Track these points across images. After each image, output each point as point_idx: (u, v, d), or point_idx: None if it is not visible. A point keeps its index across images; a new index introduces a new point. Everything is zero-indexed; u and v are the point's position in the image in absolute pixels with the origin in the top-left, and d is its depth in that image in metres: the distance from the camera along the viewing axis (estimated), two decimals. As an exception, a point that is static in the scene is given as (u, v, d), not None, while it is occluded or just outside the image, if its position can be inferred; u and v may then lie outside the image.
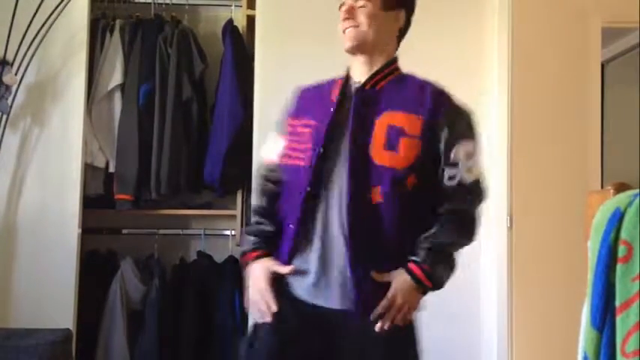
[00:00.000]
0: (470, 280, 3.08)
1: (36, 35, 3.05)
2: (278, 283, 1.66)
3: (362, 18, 1.68)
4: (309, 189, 1.63)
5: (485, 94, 3.15)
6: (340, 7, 1.73)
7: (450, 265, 1.68)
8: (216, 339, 3.13)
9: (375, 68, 1.72)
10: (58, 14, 3.08)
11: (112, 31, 3.33)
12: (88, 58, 3.19)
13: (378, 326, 1.59)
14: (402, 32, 1.78)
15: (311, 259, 1.63)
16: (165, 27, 3.35)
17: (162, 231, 3.40)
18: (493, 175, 3.07)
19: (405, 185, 1.62)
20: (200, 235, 3.44)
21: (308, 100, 1.79)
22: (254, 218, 1.80)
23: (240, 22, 3.43)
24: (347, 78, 1.76)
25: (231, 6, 3.50)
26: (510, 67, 2.98)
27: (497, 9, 3.11)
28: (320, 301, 1.62)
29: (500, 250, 2.96)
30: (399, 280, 1.61)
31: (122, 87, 3.30)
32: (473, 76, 3.16)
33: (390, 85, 1.72)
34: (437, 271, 1.65)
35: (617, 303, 1.14)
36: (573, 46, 3.04)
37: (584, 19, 3.03)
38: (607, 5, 3.05)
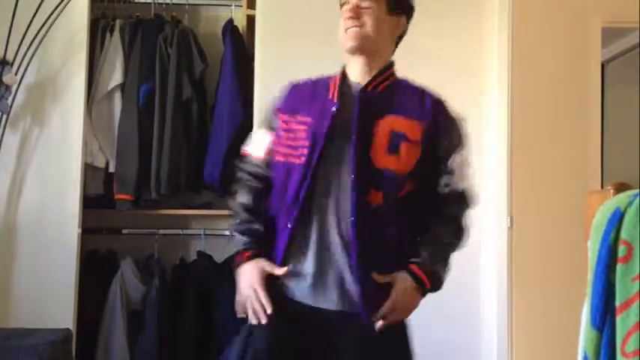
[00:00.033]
0: (470, 280, 3.08)
1: (36, 35, 3.05)
2: (271, 284, 1.63)
3: (366, 19, 1.66)
4: (308, 188, 1.61)
5: (485, 94, 3.15)
6: (342, 5, 1.71)
7: (447, 267, 1.71)
8: (216, 339, 3.13)
9: (374, 71, 1.71)
10: (58, 14, 3.08)
11: (112, 31, 3.33)
12: (88, 58, 3.19)
13: (378, 325, 1.60)
14: (400, 38, 1.78)
15: (307, 260, 1.61)
16: (166, 27, 3.35)
17: (162, 231, 3.40)
18: (493, 175, 3.08)
19: (403, 189, 1.64)
20: (200, 235, 3.44)
21: (301, 97, 1.74)
22: (243, 216, 1.74)
23: (240, 22, 3.44)
24: (343, 77, 1.73)
25: (231, 6, 3.49)
26: (510, 67, 2.98)
27: (497, 9, 3.11)
28: (317, 303, 1.61)
29: (500, 250, 2.96)
30: (401, 281, 1.63)
31: (122, 87, 3.30)
32: (473, 76, 3.17)
33: (389, 89, 1.72)
34: (437, 273, 1.68)
35: (617, 303, 1.14)
36: (573, 46, 3.05)
37: (584, 19, 3.04)
38: (607, 5, 3.05)
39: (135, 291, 3.22)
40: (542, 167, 2.98)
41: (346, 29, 1.68)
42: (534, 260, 2.93)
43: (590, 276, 1.21)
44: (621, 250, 1.15)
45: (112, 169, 3.28)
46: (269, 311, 1.60)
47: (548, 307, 2.89)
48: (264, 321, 1.61)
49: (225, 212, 3.40)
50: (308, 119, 1.67)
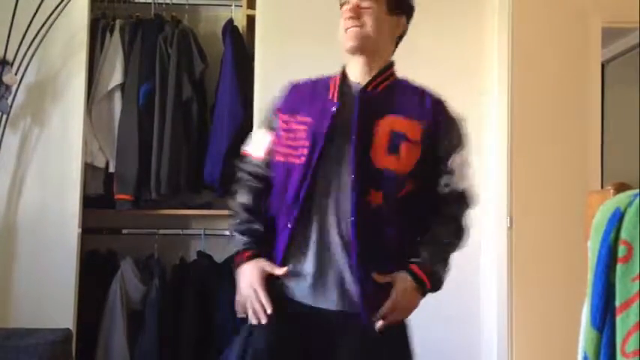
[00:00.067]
0: (470, 280, 3.08)
1: (36, 35, 3.05)
2: (271, 284, 1.63)
3: (367, 19, 1.66)
4: (308, 189, 1.61)
5: (485, 94, 3.15)
6: (342, 5, 1.70)
7: (447, 268, 1.71)
8: (216, 339, 3.13)
9: (374, 71, 1.71)
10: (58, 14, 3.08)
11: (112, 31, 3.33)
12: (88, 58, 3.19)
13: (378, 325, 1.60)
14: (400, 38, 1.78)
15: (307, 260, 1.61)
16: (166, 27, 3.35)
17: (162, 231, 3.40)
18: (493, 175, 3.08)
19: (403, 189, 1.64)
20: (200, 235, 3.44)
21: (301, 97, 1.74)
22: (243, 216, 1.74)
23: (241, 22, 3.44)
24: (343, 77, 1.73)
25: (231, 6, 3.49)
26: (510, 67, 2.98)
27: (498, 9, 3.11)
28: (317, 303, 1.61)
29: (500, 250, 2.96)
30: (401, 281, 1.63)
31: (122, 87, 3.30)
32: (473, 76, 3.17)
33: (389, 89, 1.72)
34: (437, 273, 1.69)
35: (617, 303, 1.14)
36: (573, 46, 3.05)
37: (584, 19, 3.04)
38: (607, 5, 3.05)
39: (135, 291, 3.22)
40: (542, 167, 2.98)
41: (346, 29, 1.68)
42: (534, 260, 2.93)
43: (590, 276, 1.21)
44: (621, 250, 1.15)
45: (112, 169, 3.28)
46: (269, 311, 1.60)
47: (548, 307, 2.89)
48: (264, 321, 1.60)
49: (225, 212, 3.40)
50: (308, 119, 1.66)
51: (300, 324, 1.61)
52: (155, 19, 3.39)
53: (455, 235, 1.73)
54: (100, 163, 3.29)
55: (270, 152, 1.73)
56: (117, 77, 3.28)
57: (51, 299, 3.01)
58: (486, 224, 3.09)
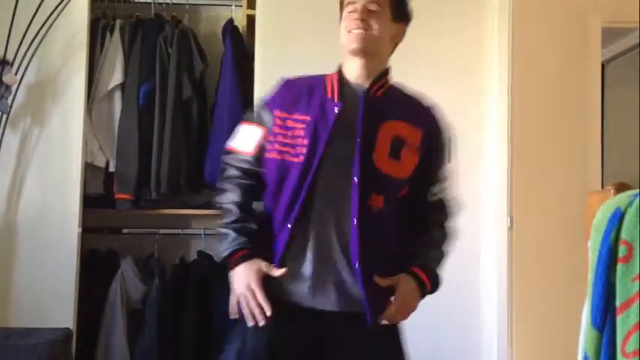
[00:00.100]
0: (470, 280, 3.08)
1: (36, 35, 3.05)
2: (267, 285, 1.60)
3: (373, 23, 1.65)
4: (308, 189, 1.59)
5: (486, 94, 3.15)
6: (345, 6, 1.69)
7: (442, 270, 1.74)
8: (216, 339, 3.13)
9: (373, 74, 1.70)
10: (58, 14, 3.08)
11: (112, 31, 3.33)
12: (88, 58, 3.19)
13: (380, 326, 1.61)
14: (396, 45, 1.78)
15: (306, 260, 1.60)
16: (166, 27, 3.35)
17: (162, 231, 3.40)
18: (493, 175, 3.08)
19: (400, 194, 1.67)
20: (200, 234, 3.44)
21: (297, 94, 1.70)
22: (237, 214, 1.68)
23: (241, 22, 3.44)
24: (340, 77, 1.71)
25: (231, 6, 3.49)
26: (510, 67, 2.98)
27: (498, 9, 3.11)
28: (315, 303, 1.60)
29: (500, 250, 2.96)
30: (404, 283, 1.65)
31: (122, 87, 3.30)
32: (473, 76, 3.17)
33: (387, 94, 1.72)
34: (436, 274, 1.72)
35: (618, 303, 1.14)
36: (573, 46, 3.05)
37: (584, 19, 3.04)
38: (607, 5, 3.05)
39: (135, 290, 3.22)
40: (542, 167, 2.98)
41: (350, 30, 1.66)
42: (534, 260, 2.93)
43: (590, 276, 1.21)
44: (621, 250, 1.16)
45: (112, 169, 3.28)
46: (268, 313, 1.57)
47: (548, 307, 2.89)
48: (261, 323, 1.58)
49: (226, 212, 3.43)
50: (306, 118, 1.64)
51: (298, 325, 1.60)
52: (155, 18, 3.39)
53: (446, 240, 1.76)
54: (100, 162, 3.29)
55: (261, 148, 1.69)
56: (117, 77, 3.28)
57: (51, 298, 3.01)
58: (486, 224, 3.09)
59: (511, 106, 2.97)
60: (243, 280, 1.61)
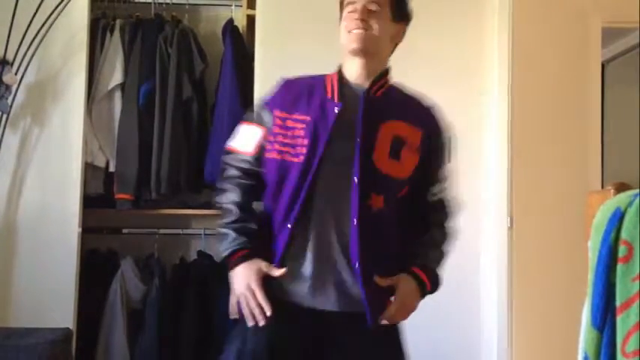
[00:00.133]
0: (470, 280, 3.08)
1: (36, 35, 3.05)
2: (267, 285, 1.60)
3: (373, 23, 1.65)
4: (308, 189, 1.59)
5: (486, 94, 3.15)
6: (345, 5, 1.69)
7: (441, 270, 1.74)
8: (216, 339, 3.13)
9: (373, 74, 1.70)
10: (58, 14, 3.08)
11: (112, 31, 3.33)
12: (88, 58, 3.19)
13: (380, 326, 1.62)
14: (396, 45, 1.78)
15: (306, 261, 1.60)
16: (166, 27, 3.35)
17: (162, 230, 3.40)
18: (493, 175, 3.08)
19: (400, 194, 1.67)
20: (200, 234, 3.44)
21: (297, 94, 1.70)
22: (237, 214, 1.67)
23: (241, 22, 3.44)
24: (340, 77, 1.71)
25: (231, 6, 3.49)
26: (510, 67, 2.98)
27: (498, 9, 3.11)
28: (315, 303, 1.60)
29: (500, 250, 2.96)
30: (404, 283, 1.66)
31: (122, 86, 3.30)
32: (473, 76, 3.17)
33: (387, 94, 1.72)
34: (436, 275, 1.72)
35: (618, 303, 1.14)
36: (573, 46, 3.05)
37: (584, 19, 3.04)
38: (607, 5, 3.05)
39: (135, 290, 3.22)
40: (542, 167, 2.98)
41: (350, 30, 1.66)
42: (534, 260, 2.93)
43: (590, 276, 1.21)
44: (621, 250, 1.16)
45: (112, 169, 3.29)
46: (269, 313, 1.57)
47: (548, 307, 2.89)
48: (262, 323, 1.57)
49: (226, 212, 3.42)
50: (306, 117, 1.64)
51: (298, 325, 1.60)
52: (155, 18, 3.39)
53: (446, 240, 1.76)
54: (101, 162, 3.29)
55: (261, 148, 1.69)
56: (117, 77, 3.28)
57: (51, 298, 3.01)
58: (486, 224, 3.09)
59: (511, 106, 2.97)
60: (243, 280, 1.61)
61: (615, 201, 1.21)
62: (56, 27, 3.10)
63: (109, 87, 3.28)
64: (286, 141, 1.63)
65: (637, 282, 1.12)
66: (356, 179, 1.58)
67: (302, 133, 1.62)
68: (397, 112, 1.69)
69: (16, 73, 3.05)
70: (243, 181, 1.71)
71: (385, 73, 1.73)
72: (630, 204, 1.17)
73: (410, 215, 1.71)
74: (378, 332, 1.63)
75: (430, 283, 1.69)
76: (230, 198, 1.69)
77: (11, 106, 3.06)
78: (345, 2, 1.69)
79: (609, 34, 3.44)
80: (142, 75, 3.27)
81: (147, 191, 3.25)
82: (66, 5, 3.08)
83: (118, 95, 3.32)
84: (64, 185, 3.09)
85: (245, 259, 1.62)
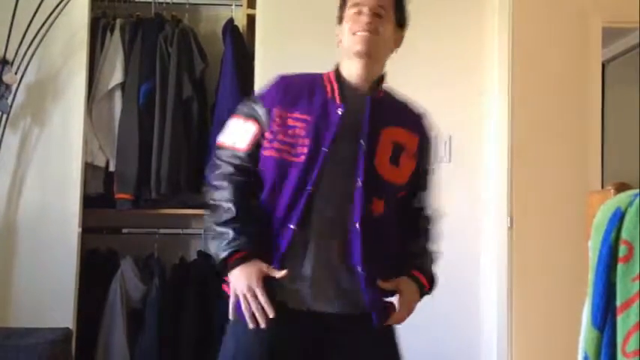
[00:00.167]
0: (470, 280, 3.08)
1: (36, 34, 3.05)
2: (268, 286, 1.57)
3: (380, 26, 1.64)
4: (309, 189, 1.57)
5: (486, 93, 3.15)
6: (348, 8, 1.67)
7: (436, 270, 1.78)
8: (216, 339, 3.12)
9: (372, 78, 1.69)
10: (59, 13, 3.08)
11: (112, 30, 3.33)
12: (88, 58, 3.19)
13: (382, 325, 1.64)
14: (392, 51, 1.77)
15: (305, 262, 1.59)
16: (166, 26, 3.35)
17: (162, 230, 3.40)
18: (493, 175, 3.08)
19: (397, 199, 1.69)
20: (200, 234, 3.44)
21: (296, 92, 1.67)
22: (235, 212, 1.61)
23: (241, 22, 3.44)
24: (338, 78, 1.69)
25: (231, 5, 3.50)
26: (510, 67, 2.98)
27: (498, 8, 3.11)
28: (315, 305, 1.60)
29: (500, 250, 2.96)
30: (406, 286, 1.68)
31: (122, 86, 3.30)
32: (473, 76, 3.17)
33: (384, 99, 1.72)
34: (433, 277, 1.75)
35: (618, 303, 1.14)
36: (574, 45, 3.05)
37: (584, 19, 3.04)
38: (607, 5, 3.05)
39: (135, 290, 3.22)
40: (542, 167, 2.98)
41: (355, 32, 1.65)
42: (534, 260, 2.92)
43: (590, 276, 1.21)
44: (622, 249, 1.16)
45: (112, 169, 3.28)
46: (271, 315, 1.54)
47: (548, 307, 2.89)
48: (263, 325, 1.55)
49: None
50: (307, 117, 1.62)
51: (298, 326, 1.59)
52: (155, 18, 3.39)
53: (435, 242, 1.79)
54: (101, 162, 3.29)
55: (254, 144, 1.65)
56: (117, 76, 3.28)
57: (51, 298, 3.01)
58: (486, 224, 3.09)
59: (511, 106, 2.97)
60: (244, 280, 1.56)
61: (615, 201, 1.21)
62: (56, 26, 3.10)
63: (109, 86, 3.28)
64: (286, 139, 1.61)
65: (637, 282, 1.12)
66: (360, 182, 1.58)
67: (302, 132, 1.61)
68: (395, 118, 1.70)
69: (16, 73, 3.05)
70: (237, 177, 1.66)
71: (382, 77, 1.73)
72: (630, 204, 1.17)
73: (402, 217, 1.72)
74: (377, 333, 1.64)
75: (428, 285, 1.72)
76: (225, 195, 1.64)
77: (11, 106, 3.06)
78: (349, 4, 1.68)
79: (609, 34, 3.44)
80: (142, 74, 3.27)
81: (147, 191, 3.25)
82: (66, 5, 3.08)
83: (118, 95, 3.32)
84: (64, 185, 3.09)
85: (244, 260, 1.58)
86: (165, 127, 3.23)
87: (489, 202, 3.07)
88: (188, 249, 3.49)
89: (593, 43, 3.05)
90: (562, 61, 3.03)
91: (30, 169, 3.10)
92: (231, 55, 3.27)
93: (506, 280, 2.91)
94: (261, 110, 1.66)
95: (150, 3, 3.43)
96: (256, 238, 1.61)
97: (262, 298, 1.55)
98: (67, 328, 2.89)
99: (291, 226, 1.57)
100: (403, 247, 1.73)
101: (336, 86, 1.67)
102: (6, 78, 3.02)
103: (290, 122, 1.62)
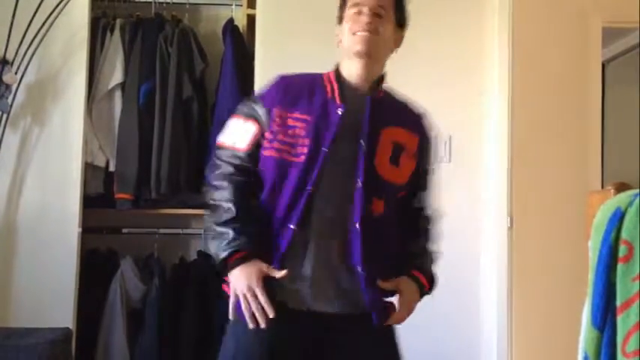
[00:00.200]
0: (470, 280, 3.08)
1: (36, 34, 3.05)
2: (267, 286, 1.56)
3: (380, 26, 1.64)
4: (309, 189, 1.57)
5: (486, 93, 3.15)
6: (348, 7, 1.67)
7: (435, 270, 1.78)
8: (216, 339, 3.12)
9: (372, 78, 1.69)
10: (59, 13, 3.08)
11: (112, 30, 3.33)
12: (88, 57, 3.19)
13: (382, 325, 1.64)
14: (392, 52, 1.77)
15: (305, 262, 1.59)
16: (166, 26, 3.35)
17: (162, 230, 3.40)
18: (493, 175, 3.08)
19: (397, 199, 1.69)
20: (200, 234, 3.44)
21: (296, 93, 1.66)
22: (235, 212, 1.61)
23: (241, 22, 3.44)
24: (338, 77, 1.69)
25: (231, 5, 3.50)
26: (511, 67, 2.98)
27: (498, 8, 3.11)
28: (314, 305, 1.59)
29: (500, 250, 2.96)
30: (407, 287, 1.68)
31: (122, 86, 3.30)
32: (473, 75, 3.17)
33: (384, 99, 1.72)
34: (432, 276, 1.75)
35: (618, 303, 1.14)
36: (574, 45, 3.05)
37: (584, 19, 3.04)
38: (607, 5, 3.05)
39: (135, 290, 3.22)
40: (542, 167, 2.98)
41: (355, 32, 1.64)
42: (534, 260, 2.93)
43: (590, 276, 1.21)
44: (622, 249, 1.16)
45: (112, 169, 3.29)
46: (271, 315, 1.54)
47: (548, 307, 2.89)
48: (264, 325, 1.55)
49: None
50: (307, 117, 1.62)
51: (298, 326, 1.59)
52: (155, 18, 3.39)
53: (435, 242, 1.79)
54: (101, 162, 3.29)
55: (254, 144, 1.65)
56: (117, 76, 3.28)
57: (51, 298, 3.01)
58: (486, 224, 3.09)
59: (511, 106, 2.97)
60: (244, 280, 1.56)
61: (615, 201, 1.21)
62: (56, 26, 3.10)
63: (109, 86, 3.28)
64: (286, 139, 1.61)
65: (637, 282, 1.12)
66: (360, 183, 1.58)
67: (302, 132, 1.61)
68: (395, 118, 1.70)
69: (16, 73, 3.05)
70: (237, 177, 1.65)
71: (382, 78, 1.73)
72: (630, 204, 1.17)
73: (402, 217, 1.72)
74: (377, 333, 1.64)
75: (428, 285, 1.72)
76: (225, 195, 1.63)
77: (11, 106, 3.06)
78: (349, 4, 1.68)
79: (609, 34, 3.44)
80: (142, 74, 3.27)
81: (147, 191, 3.25)
82: (66, 4, 3.08)
83: (118, 95, 3.32)
84: (64, 185, 3.09)
85: (244, 260, 1.58)
86: (165, 127, 3.23)
87: (489, 202, 3.07)
88: (188, 249, 3.49)
89: (593, 43, 3.05)
90: (562, 61, 3.03)
91: (30, 168, 3.10)
92: (231, 55, 3.28)
93: (506, 280, 2.91)
94: (261, 110, 1.66)
95: (150, 3, 3.44)
96: (256, 238, 1.60)
97: (262, 298, 1.55)
98: (67, 328, 2.89)
99: (291, 226, 1.58)
100: (403, 247, 1.73)
101: (336, 86, 1.67)
102: (6, 78, 3.02)
103: (290, 122, 1.62)
